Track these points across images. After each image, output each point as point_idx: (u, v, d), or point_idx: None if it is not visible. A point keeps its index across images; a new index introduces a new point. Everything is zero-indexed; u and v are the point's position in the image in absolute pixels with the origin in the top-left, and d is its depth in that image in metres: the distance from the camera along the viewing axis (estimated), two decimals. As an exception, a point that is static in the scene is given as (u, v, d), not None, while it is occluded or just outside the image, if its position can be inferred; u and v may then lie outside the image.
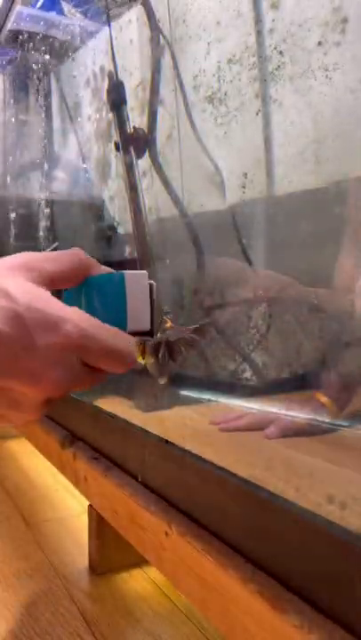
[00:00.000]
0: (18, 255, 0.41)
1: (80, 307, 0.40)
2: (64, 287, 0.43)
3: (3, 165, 1.44)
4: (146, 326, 0.42)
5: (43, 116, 1.38)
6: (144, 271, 0.43)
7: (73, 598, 0.78)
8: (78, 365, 0.39)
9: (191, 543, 0.47)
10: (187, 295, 0.84)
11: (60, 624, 0.72)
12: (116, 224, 1.15)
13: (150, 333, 0.43)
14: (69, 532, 0.99)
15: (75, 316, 0.38)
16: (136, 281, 0.42)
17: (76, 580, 0.83)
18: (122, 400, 0.77)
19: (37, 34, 1.24)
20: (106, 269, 0.43)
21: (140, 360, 0.48)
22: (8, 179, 1.42)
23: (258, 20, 0.75)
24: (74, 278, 0.42)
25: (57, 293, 0.41)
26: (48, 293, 0.40)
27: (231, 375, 0.75)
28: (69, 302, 0.40)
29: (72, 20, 1.14)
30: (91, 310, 0.40)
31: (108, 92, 0.82)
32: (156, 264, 0.82)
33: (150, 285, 0.43)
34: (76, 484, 0.79)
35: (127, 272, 0.42)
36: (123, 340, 0.41)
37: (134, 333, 0.42)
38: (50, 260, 0.41)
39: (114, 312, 0.41)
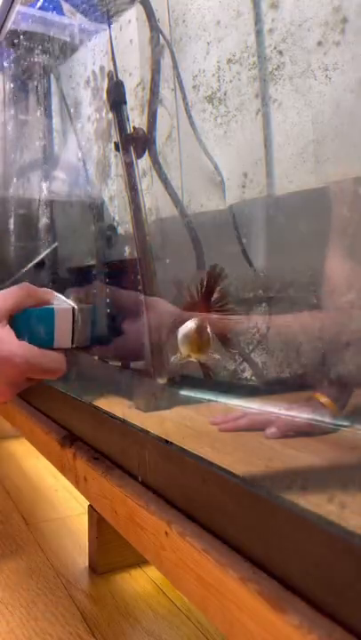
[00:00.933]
0: None
1: (25, 329, 0.63)
2: (16, 313, 0.64)
3: (2, 165, 1.44)
4: (68, 345, 0.65)
5: (42, 115, 1.38)
6: (69, 307, 0.65)
7: (73, 598, 0.78)
8: (22, 380, 0.64)
9: (191, 543, 0.47)
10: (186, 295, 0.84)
11: (60, 624, 0.72)
12: (115, 224, 1.15)
13: (73, 348, 0.66)
14: (69, 532, 0.99)
15: (20, 350, 0.61)
16: (63, 314, 0.64)
17: (76, 579, 0.84)
18: (122, 400, 0.77)
19: (37, 33, 1.24)
20: (46, 297, 0.66)
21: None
22: (8, 179, 1.42)
23: (258, 19, 0.75)
24: (23, 306, 0.63)
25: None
26: (5, 330, 0.61)
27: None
28: (17, 324, 0.63)
29: (71, 19, 1.14)
30: (31, 332, 0.63)
31: (108, 91, 0.82)
32: (156, 264, 0.82)
33: (73, 311, 0.64)
34: (76, 483, 0.79)
35: (55, 307, 0.65)
36: (55, 361, 0.63)
37: (60, 349, 0.65)
38: (5, 299, 0.62)
39: (47, 335, 0.63)
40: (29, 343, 0.62)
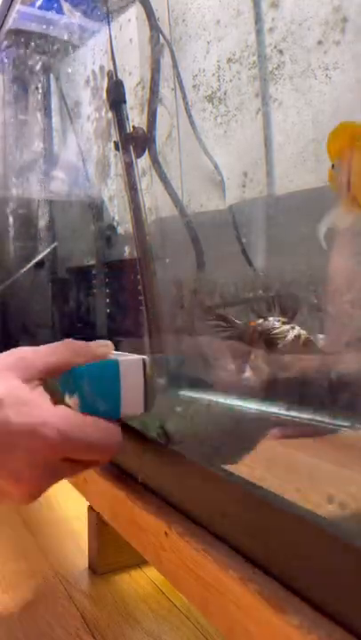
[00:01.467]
0: (10, 352, 0.45)
1: (71, 393, 0.44)
2: (57, 375, 0.45)
3: (2, 164, 1.44)
4: (139, 410, 0.45)
5: (41, 114, 1.38)
6: (139, 357, 0.44)
7: (73, 599, 0.78)
8: (59, 463, 0.42)
9: (191, 543, 0.47)
10: (186, 295, 0.84)
11: (60, 625, 0.72)
12: (115, 224, 1.15)
13: (146, 410, 0.46)
14: (69, 532, 0.99)
15: (55, 419, 0.41)
16: (130, 367, 0.44)
17: (76, 580, 0.83)
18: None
19: (36, 33, 1.24)
20: (99, 351, 0.45)
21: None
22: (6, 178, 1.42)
23: (258, 18, 0.75)
24: (66, 368, 0.45)
25: None
26: (36, 393, 0.42)
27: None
28: (64, 387, 0.45)
29: (71, 18, 1.14)
30: (83, 397, 0.43)
31: (108, 91, 0.82)
32: (156, 263, 0.82)
33: (143, 363, 0.44)
34: (76, 485, 0.79)
35: (121, 359, 0.44)
36: (106, 433, 0.43)
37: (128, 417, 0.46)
38: (41, 355, 0.44)
39: (107, 399, 0.43)
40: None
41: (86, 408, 0.43)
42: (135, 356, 0.45)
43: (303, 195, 0.72)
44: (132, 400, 0.43)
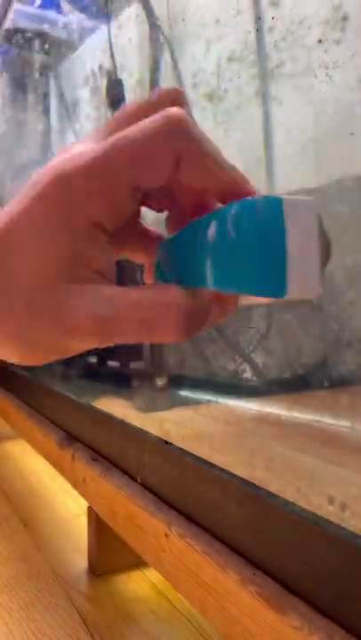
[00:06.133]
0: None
1: (190, 265, 0.24)
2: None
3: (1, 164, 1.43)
4: (315, 291, 0.21)
5: (40, 114, 1.38)
6: (309, 197, 0.23)
7: (72, 600, 0.78)
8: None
9: (191, 544, 0.47)
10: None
11: (60, 626, 0.72)
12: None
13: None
14: (68, 533, 0.99)
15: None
16: (300, 212, 0.21)
17: (75, 581, 0.83)
18: (121, 401, 0.77)
19: (36, 32, 1.24)
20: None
21: None
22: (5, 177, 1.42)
23: (258, 17, 0.75)
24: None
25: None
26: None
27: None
28: (171, 258, 0.25)
29: (70, 18, 1.14)
30: (225, 267, 0.22)
31: (108, 89, 0.81)
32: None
33: (319, 221, 0.22)
34: (75, 485, 0.79)
35: (286, 197, 0.21)
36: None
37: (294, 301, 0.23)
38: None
39: (263, 269, 0.21)
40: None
41: (221, 284, 0.22)
42: (302, 197, 0.23)
43: (304, 194, 0.72)
44: (303, 269, 0.21)
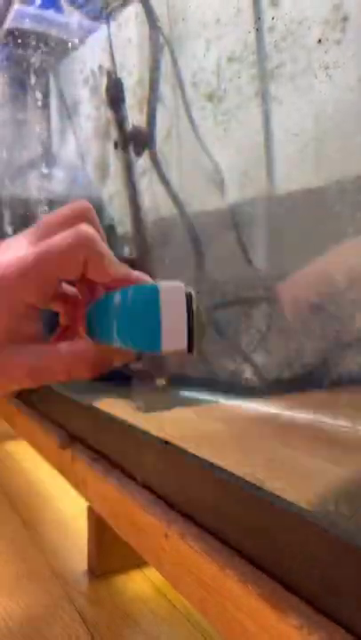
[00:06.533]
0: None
1: (101, 323, 0.35)
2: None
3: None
4: (182, 346, 0.33)
5: (40, 114, 1.38)
6: (180, 284, 0.34)
7: (72, 601, 0.78)
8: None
9: (191, 544, 0.47)
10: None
11: (60, 626, 0.72)
12: (114, 224, 1.15)
13: (189, 350, 0.34)
14: (68, 534, 0.99)
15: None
16: (172, 294, 0.33)
17: (75, 582, 0.83)
18: (121, 401, 0.77)
19: (36, 32, 1.24)
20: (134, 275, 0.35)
21: None
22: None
23: (258, 17, 0.74)
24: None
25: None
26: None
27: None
28: (92, 320, 0.36)
29: (70, 17, 1.14)
30: (117, 327, 0.34)
31: (107, 89, 0.81)
32: (156, 264, 0.82)
33: (188, 296, 0.34)
34: (75, 485, 0.79)
35: (162, 284, 0.33)
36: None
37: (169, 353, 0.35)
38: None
39: (145, 331, 0.33)
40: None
41: (120, 340, 0.34)
42: (177, 283, 0.34)
43: (304, 194, 0.72)
44: (172, 333, 0.33)
